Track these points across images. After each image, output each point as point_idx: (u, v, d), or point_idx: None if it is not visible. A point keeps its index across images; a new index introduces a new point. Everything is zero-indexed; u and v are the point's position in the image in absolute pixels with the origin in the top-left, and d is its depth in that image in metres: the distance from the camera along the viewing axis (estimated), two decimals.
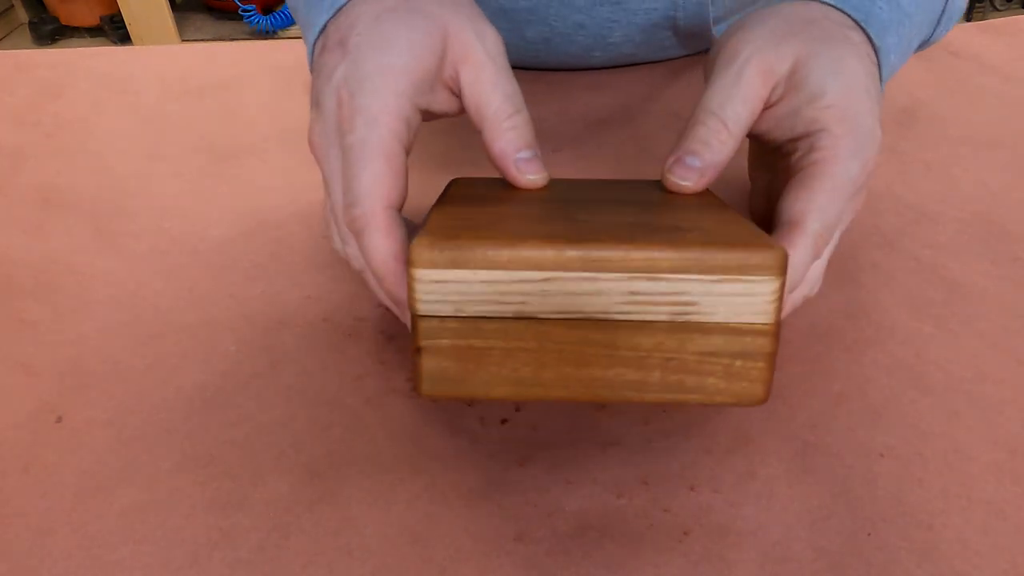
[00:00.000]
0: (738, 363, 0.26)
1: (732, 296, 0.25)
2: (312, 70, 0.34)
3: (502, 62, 0.33)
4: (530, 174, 0.32)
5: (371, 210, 0.29)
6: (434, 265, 0.25)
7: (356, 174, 0.29)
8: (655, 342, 0.26)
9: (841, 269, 0.41)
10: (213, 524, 0.29)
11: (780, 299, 0.25)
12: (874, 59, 0.35)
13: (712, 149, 0.33)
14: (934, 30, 0.41)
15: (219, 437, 0.32)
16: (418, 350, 0.26)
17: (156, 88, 0.61)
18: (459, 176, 0.38)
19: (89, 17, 2.43)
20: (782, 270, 0.25)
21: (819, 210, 0.31)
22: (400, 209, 0.30)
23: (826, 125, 0.32)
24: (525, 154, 0.32)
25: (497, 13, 0.57)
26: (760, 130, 0.35)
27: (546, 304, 0.25)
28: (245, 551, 0.28)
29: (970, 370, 0.35)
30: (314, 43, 0.35)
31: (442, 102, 0.33)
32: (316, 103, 0.32)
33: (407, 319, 0.28)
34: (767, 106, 0.34)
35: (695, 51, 0.65)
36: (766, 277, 0.25)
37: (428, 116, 0.34)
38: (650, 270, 0.25)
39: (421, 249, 0.25)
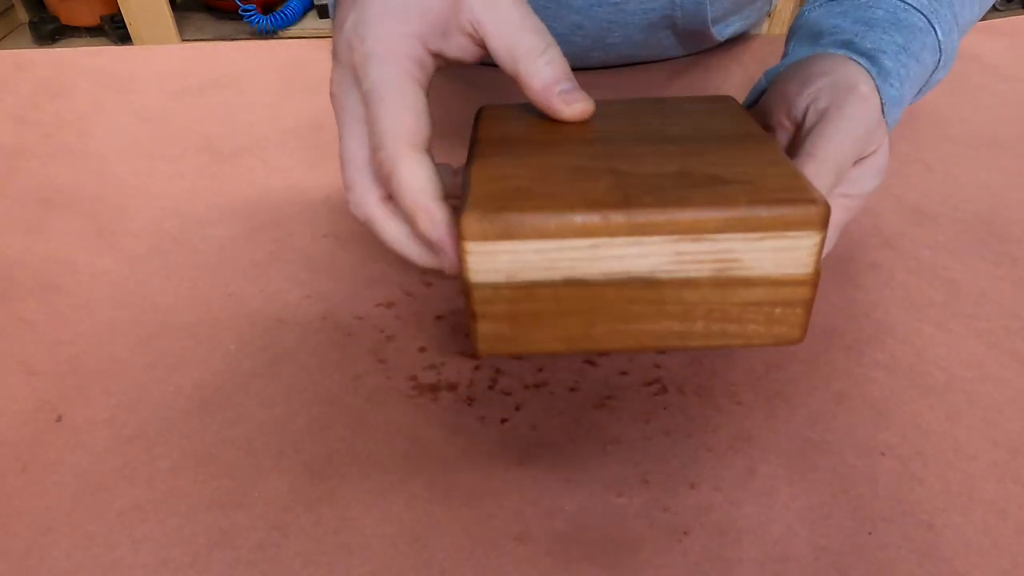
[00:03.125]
0: (778, 311, 0.27)
1: (775, 251, 0.26)
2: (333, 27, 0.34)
3: (524, 1, 0.32)
4: (577, 103, 0.31)
5: (395, 150, 0.29)
6: (485, 237, 0.25)
7: (377, 116, 0.29)
8: (700, 296, 0.27)
9: (841, 269, 0.41)
10: (213, 524, 0.29)
11: (820, 250, 0.26)
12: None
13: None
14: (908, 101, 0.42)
15: (219, 437, 0.32)
16: (474, 315, 0.27)
17: (156, 88, 0.61)
18: (486, 104, 0.37)
19: (89, 17, 2.43)
20: (824, 223, 0.25)
21: (830, 142, 0.32)
22: (426, 147, 0.30)
23: (824, 87, 0.34)
24: (566, 85, 0.31)
25: None
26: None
27: (594, 267, 0.26)
28: (245, 551, 0.28)
29: (970, 370, 0.35)
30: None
31: (457, 47, 0.32)
32: (334, 56, 0.32)
33: (444, 261, 0.29)
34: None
35: (693, 51, 0.65)
36: (809, 232, 0.25)
37: (442, 62, 0.33)
38: (695, 231, 0.25)
39: (471, 222, 0.25)
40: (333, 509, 0.29)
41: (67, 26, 2.44)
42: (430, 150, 0.30)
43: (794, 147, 0.34)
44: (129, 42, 2.20)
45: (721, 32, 0.64)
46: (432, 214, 0.28)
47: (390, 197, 0.30)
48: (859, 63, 0.37)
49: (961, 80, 0.61)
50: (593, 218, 0.25)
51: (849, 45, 0.38)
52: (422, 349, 0.36)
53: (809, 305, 0.27)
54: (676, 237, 0.25)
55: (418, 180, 0.28)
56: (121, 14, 2.13)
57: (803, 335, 0.27)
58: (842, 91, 0.34)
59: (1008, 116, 0.55)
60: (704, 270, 0.26)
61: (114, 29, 2.33)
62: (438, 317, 0.38)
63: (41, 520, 0.29)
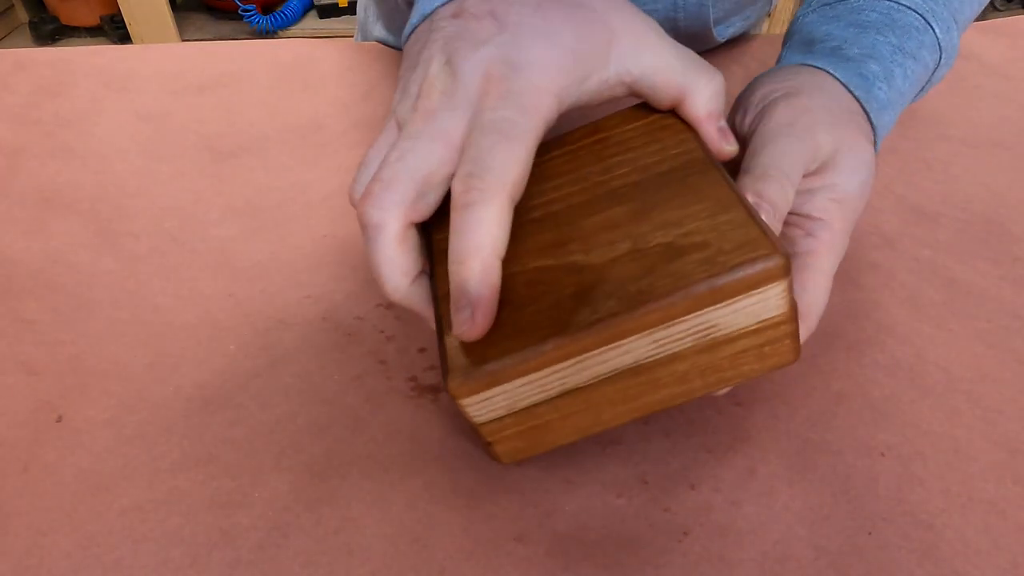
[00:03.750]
0: (767, 348, 0.28)
1: (746, 308, 0.26)
2: (426, 27, 0.32)
3: (673, 41, 0.33)
4: (730, 145, 0.32)
5: (494, 190, 0.27)
6: (474, 392, 0.27)
7: (492, 151, 0.27)
8: (689, 364, 0.27)
9: (841, 269, 0.41)
10: (213, 524, 0.29)
11: (790, 290, 0.26)
12: (871, 139, 0.36)
13: (782, 206, 0.33)
14: (915, 98, 0.42)
15: (219, 437, 0.32)
16: (488, 443, 0.28)
17: (156, 87, 0.61)
18: None
19: (89, 17, 2.43)
20: (787, 271, 0.25)
21: (818, 305, 0.32)
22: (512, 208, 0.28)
23: (831, 219, 0.34)
24: (723, 123, 0.32)
25: None
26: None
27: (583, 376, 0.27)
28: (245, 551, 0.28)
29: (970, 370, 0.35)
30: (442, 5, 0.32)
31: (590, 93, 0.32)
32: (446, 61, 0.30)
33: (463, 320, 0.27)
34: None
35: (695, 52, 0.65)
36: (774, 283, 0.26)
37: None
38: (666, 320, 0.26)
39: (457, 384, 0.26)
40: (333, 509, 0.29)
41: (67, 26, 2.44)
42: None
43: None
44: (129, 42, 2.20)
45: (722, 33, 0.64)
46: (487, 269, 0.27)
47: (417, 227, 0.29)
48: (833, 76, 0.37)
49: (961, 80, 0.61)
50: (566, 343, 0.26)
51: (837, 52, 0.38)
52: (422, 350, 0.36)
53: (795, 333, 0.28)
54: (649, 331, 0.26)
55: (496, 230, 0.27)
56: (121, 14, 2.13)
57: (798, 355, 0.28)
58: (776, 104, 0.35)
59: (1008, 116, 0.55)
60: (686, 344, 0.27)
61: (114, 29, 2.33)
62: None
63: (41, 520, 0.29)
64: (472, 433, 0.32)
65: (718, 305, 0.26)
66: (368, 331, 0.38)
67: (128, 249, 0.43)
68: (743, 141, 0.36)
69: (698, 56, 0.32)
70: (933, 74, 0.41)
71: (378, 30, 0.69)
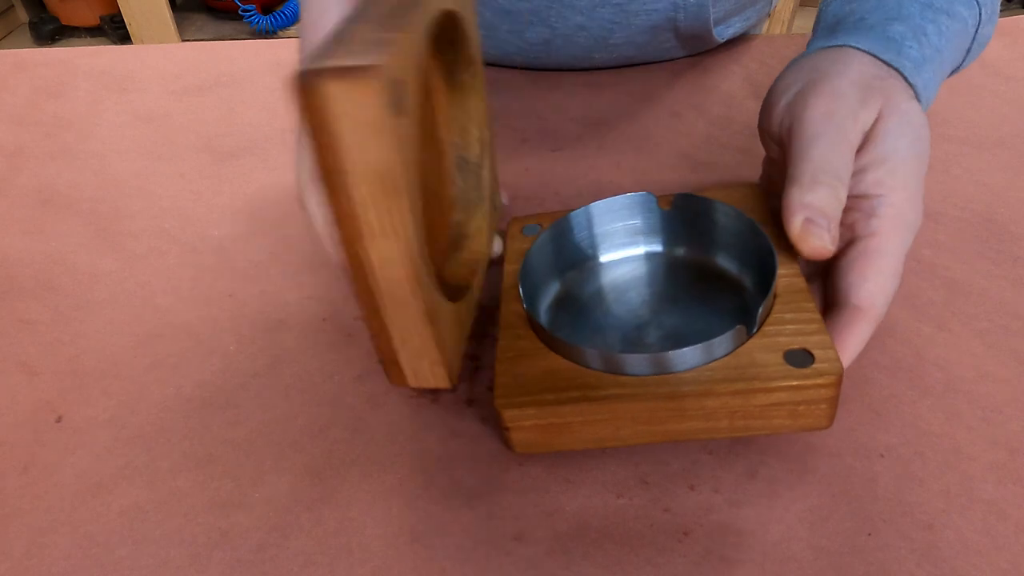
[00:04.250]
0: (802, 407, 0.28)
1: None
2: None
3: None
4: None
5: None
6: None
7: None
8: (721, 402, 0.28)
9: None
10: (213, 524, 0.29)
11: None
12: (913, 96, 0.35)
13: (835, 212, 0.32)
14: (964, 59, 0.41)
15: (219, 437, 0.32)
16: (507, 429, 0.29)
17: (156, 87, 0.61)
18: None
19: (89, 17, 2.43)
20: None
21: (883, 293, 0.31)
22: None
23: (889, 191, 0.33)
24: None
25: (498, 14, 0.57)
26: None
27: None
28: (245, 551, 0.28)
29: (970, 370, 0.35)
30: None
31: None
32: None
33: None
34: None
35: (695, 52, 0.65)
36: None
37: None
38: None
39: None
40: (333, 509, 0.29)
41: (67, 26, 2.44)
42: None
43: (786, 168, 0.33)
44: (129, 42, 2.20)
45: (722, 33, 0.64)
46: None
47: None
48: (857, 48, 0.36)
49: (961, 80, 0.61)
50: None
51: (860, 24, 0.37)
52: None
53: (835, 399, 0.28)
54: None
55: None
56: (121, 14, 2.13)
57: (831, 422, 0.29)
58: (805, 97, 0.34)
59: (1008, 116, 0.55)
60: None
61: (114, 29, 2.33)
62: None
63: (41, 520, 0.29)
64: (467, 434, 0.32)
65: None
66: (368, 332, 0.37)
67: (128, 249, 0.43)
68: (780, 142, 0.35)
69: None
70: (977, 32, 0.39)
71: None
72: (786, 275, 0.31)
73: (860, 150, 0.33)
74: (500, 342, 0.31)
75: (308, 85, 0.21)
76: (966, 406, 0.34)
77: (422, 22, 0.25)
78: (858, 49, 0.36)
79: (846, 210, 0.33)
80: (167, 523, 0.29)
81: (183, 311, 0.39)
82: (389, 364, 0.28)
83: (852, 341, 0.31)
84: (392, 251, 0.24)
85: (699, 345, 0.28)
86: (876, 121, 0.33)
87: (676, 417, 0.28)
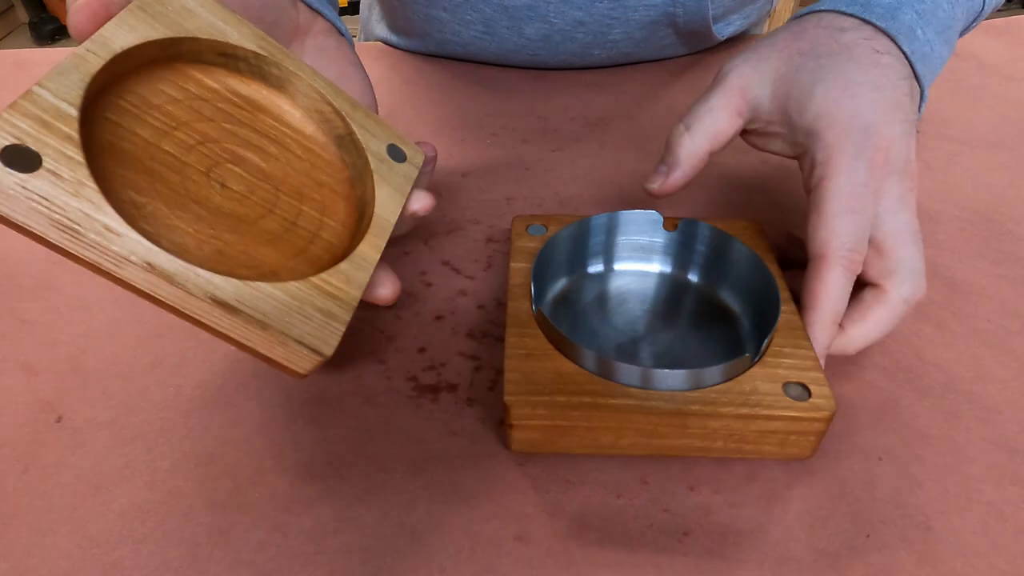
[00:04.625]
0: (792, 438, 0.30)
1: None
2: None
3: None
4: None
5: None
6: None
7: None
8: (722, 424, 0.29)
9: None
10: (213, 524, 0.29)
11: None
12: (884, 48, 0.35)
13: (673, 152, 0.37)
14: (984, 2, 0.40)
15: (219, 437, 0.32)
16: (510, 426, 0.30)
17: None
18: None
19: None
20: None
21: (837, 235, 0.32)
22: None
23: (819, 134, 0.33)
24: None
25: (498, 10, 0.57)
26: (771, 149, 0.37)
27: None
28: (245, 551, 0.28)
29: (970, 370, 0.35)
30: None
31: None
32: None
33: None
34: (759, 126, 0.36)
35: (695, 50, 0.65)
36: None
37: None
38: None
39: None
40: (333, 509, 0.29)
41: (67, 26, 2.44)
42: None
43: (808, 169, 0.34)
44: None
45: (721, 31, 0.64)
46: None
47: None
48: (819, 11, 0.36)
49: (961, 80, 0.61)
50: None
51: None
52: (422, 349, 0.36)
53: (822, 435, 0.30)
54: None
55: None
56: None
57: (812, 454, 0.31)
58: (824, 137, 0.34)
59: (1008, 116, 0.55)
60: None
61: None
62: (438, 317, 0.38)
63: (41, 520, 0.29)
64: (467, 434, 0.32)
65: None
66: (368, 331, 0.38)
67: None
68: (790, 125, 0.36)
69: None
70: None
71: (381, 29, 0.69)
72: (785, 312, 0.33)
73: (777, 112, 0.36)
74: (508, 339, 0.31)
75: None
76: (966, 406, 0.34)
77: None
78: (821, 11, 0.37)
79: (802, 170, 0.35)
80: (167, 523, 0.29)
81: None
82: (275, 366, 0.27)
83: (820, 288, 0.32)
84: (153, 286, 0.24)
85: (716, 367, 0.29)
86: (777, 80, 0.35)
87: (677, 433, 0.29)
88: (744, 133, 0.38)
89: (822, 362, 0.32)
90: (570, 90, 0.60)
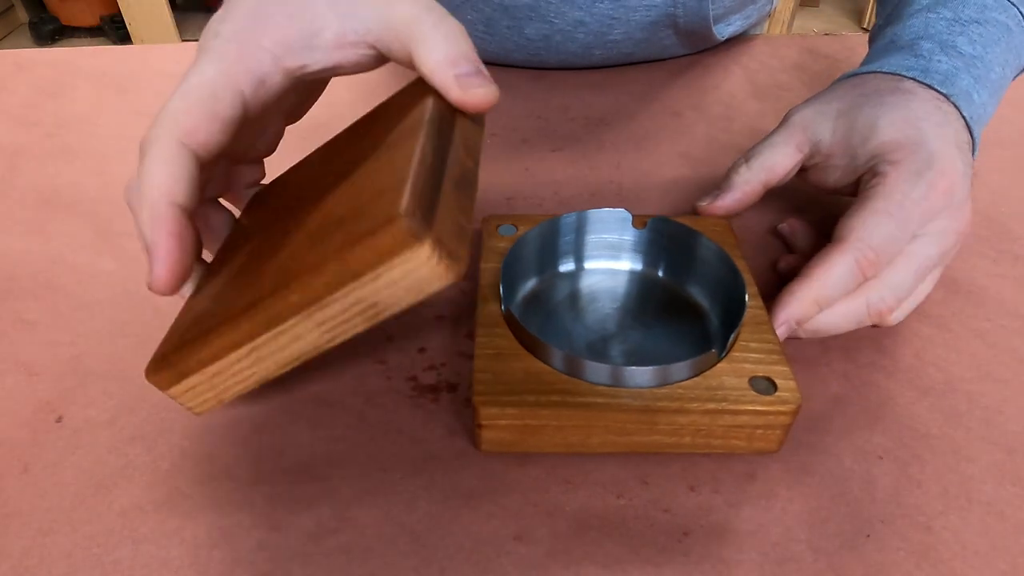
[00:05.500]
0: (759, 431, 0.30)
1: (398, 281, 0.24)
2: None
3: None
4: (477, 87, 0.28)
5: (160, 133, 0.27)
6: (170, 384, 0.29)
7: (174, 97, 0.28)
8: (690, 420, 0.29)
9: None
10: (213, 524, 0.29)
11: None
12: (944, 102, 0.36)
13: (729, 179, 0.39)
14: None
15: (219, 437, 0.32)
16: (480, 426, 0.30)
17: (156, 88, 0.61)
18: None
19: (89, 17, 2.43)
20: (416, 234, 0.22)
21: (862, 228, 0.32)
22: (197, 149, 0.28)
23: (883, 156, 0.34)
24: (465, 67, 0.28)
25: (498, 10, 0.57)
26: (829, 183, 0.38)
27: (266, 365, 0.27)
28: (245, 551, 0.28)
29: (970, 370, 0.35)
30: None
31: (329, 51, 0.30)
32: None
33: (153, 267, 0.27)
34: (819, 160, 0.38)
35: (695, 50, 0.65)
36: (409, 250, 0.23)
37: (305, 76, 0.30)
38: (313, 299, 0.25)
39: (153, 374, 0.28)
40: (333, 509, 0.29)
41: (67, 26, 2.44)
42: (208, 160, 0.28)
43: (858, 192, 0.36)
44: (129, 42, 2.20)
45: (722, 31, 0.64)
46: (156, 215, 0.26)
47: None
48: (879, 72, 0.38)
49: None
50: (229, 331, 0.26)
51: (891, 44, 0.40)
52: (422, 350, 0.36)
53: (789, 427, 0.30)
54: (304, 312, 0.25)
55: (162, 176, 0.27)
56: (121, 14, 2.13)
57: (780, 447, 0.31)
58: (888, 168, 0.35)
59: (1008, 116, 0.55)
60: (356, 325, 0.25)
61: (114, 29, 2.33)
62: (438, 317, 0.38)
63: (41, 520, 0.29)
64: (467, 434, 0.32)
65: (361, 279, 0.23)
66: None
67: (128, 249, 0.43)
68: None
69: (435, 4, 0.29)
70: None
71: None
72: (752, 307, 0.33)
73: (837, 145, 0.37)
74: (478, 339, 0.32)
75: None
76: (966, 406, 0.34)
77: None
78: (884, 73, 0.38)
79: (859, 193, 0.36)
80: (167, 523, 0.29)
81: None
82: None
83: (821, 265, 0.33)
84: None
85: (683, 363, 0.29)
86: (839, 116, 0.37)
87: (645, 430, 0.30)
88: (803, 171, 0.39)
89: (781, 332, 0.32)
90: (570, 90, 0.60)
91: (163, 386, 0.28)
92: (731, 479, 0.30)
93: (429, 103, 0.28)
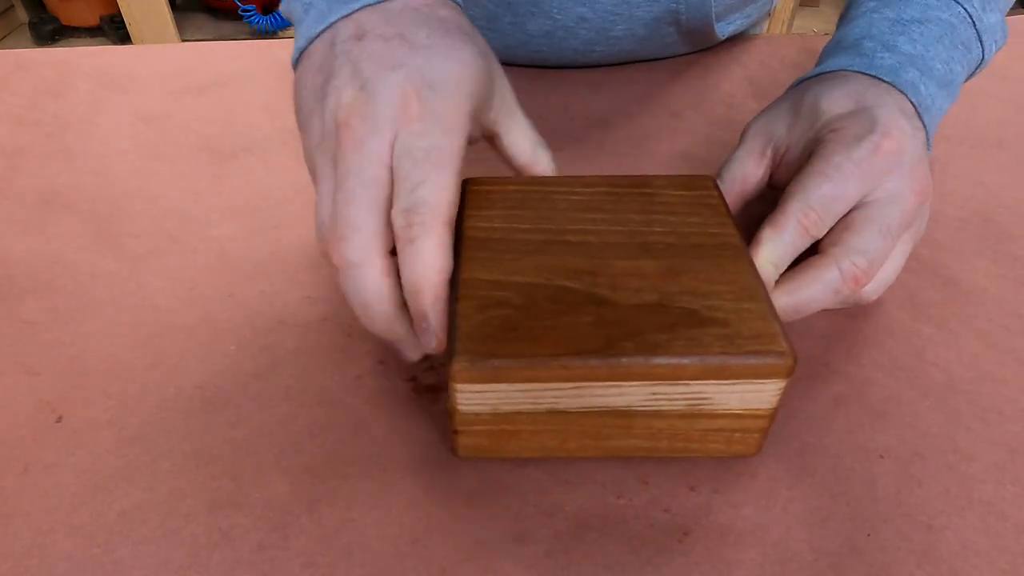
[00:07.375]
0: (737, 435, 0.30)
1: (743, 393, 0.28)
2: (324, 50, 0.32)
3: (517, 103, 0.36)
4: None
5: (433, 219, 0.28)
6: (474, 381, 0.27)
7: (426, 178, 0.28)
8: (667, 424, 0.29)
9: None
10: (213, 524, 0.29)
11: (782, 391, 0.28)
12: (886, 84, 0.37)
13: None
14: (981, 51, 0.42)
15: (219, 437, 0.32)
16: (455, 431, 0.29)
17: (156, 88, 0.61)
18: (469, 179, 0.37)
19: (89, 17, 2.43)
20: (790, 371, 0.27)
21: (801, 191, 0.33)
22: (452, 226, 0.29)
23: (828, 126, 0.35)
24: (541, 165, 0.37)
25: (501, 6, 0.57)
26: (788, 177, 0.38)
27: (575, 403, 0.28)
28: (245, 551, 0.28)
29: (970, 370, 0.35)
30: (337, 21, 0.32)
31: (485, 119, 0.34)
32: (361, 87, 0.30)
33: (425, 340, 0.29)
34: (783, 154, 0.38)
35: (696, 49, 0.65)
36: (776, 379, 0.27)
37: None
38: (672, 377, 0.27)
39: (461, 368, 0.27)
40: (333, 510, 0.29)
41: (67, 26, 2.45)
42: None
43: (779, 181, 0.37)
44: (129, 42, 2.20)
45: (723, 30, 0.64)
46: (439, 294, 0.28)
47: (392, 254, 0.30)
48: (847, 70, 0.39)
49: None
50: (576, 364, 0.27)
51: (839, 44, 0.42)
52: None
53: (766, 430, 0.30)
54: (653, 381, 0.27)
55: (441, 259, 0.28)
56: (121, 14, 2.13)
57: (758, 451, 0.31)
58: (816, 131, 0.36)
59: (1008, 116, 0.55)
60: (676, 406, 0.28)
61: (114, 29, 2.33)
62: None
63: (41, 520, 0.29)
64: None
65: (723, 381, 0.27)
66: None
67: (128, 249, 0.43)
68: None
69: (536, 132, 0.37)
70: (976, 25, 0.41)
71: None
72: None
73: (793, 137, 0.38)
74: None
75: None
76: (966, 406, 0.34)
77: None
78: (826, 72, 0.40)
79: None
80: (167, 524, 0.29)
81: (183, 311, 0.39)
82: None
83: (769, 231, 0.34)
84: None
85: None
86: (792, 105, 0.38)
87: (623, 434, 0.29)
88: (774, 178, 0.39)
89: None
90: (570, 89, 0.60)
91: (463, 379, 0.27)
92: (731, 479, 0.30)
93: (735, 232, 0.32)
